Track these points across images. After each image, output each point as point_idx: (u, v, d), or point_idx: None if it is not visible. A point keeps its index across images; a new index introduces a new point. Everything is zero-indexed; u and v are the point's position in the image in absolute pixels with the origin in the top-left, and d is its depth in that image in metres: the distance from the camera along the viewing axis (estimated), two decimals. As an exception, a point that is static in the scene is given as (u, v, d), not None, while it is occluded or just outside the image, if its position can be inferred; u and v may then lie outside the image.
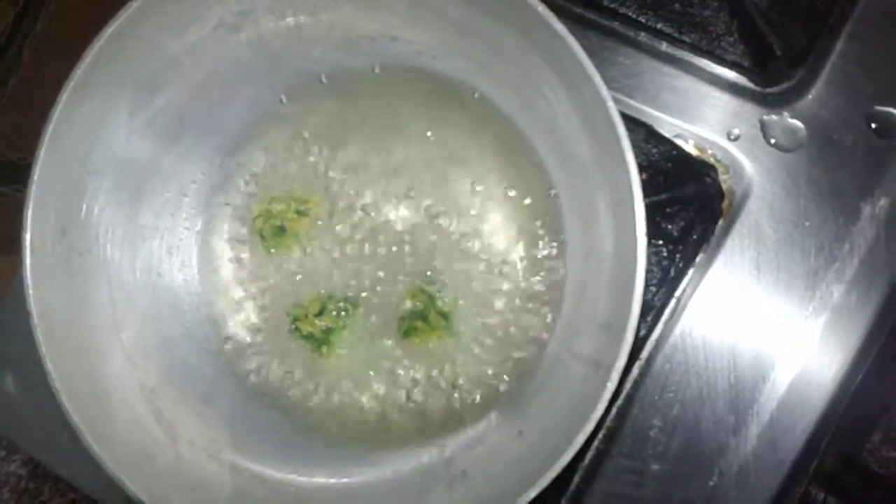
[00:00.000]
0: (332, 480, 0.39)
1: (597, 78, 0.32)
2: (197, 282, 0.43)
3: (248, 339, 0.43)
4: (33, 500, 0.78)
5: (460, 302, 0.41)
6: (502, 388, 0.40)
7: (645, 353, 0.42)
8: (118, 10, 0.36)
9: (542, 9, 0.32)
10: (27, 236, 0.36)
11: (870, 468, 0.53)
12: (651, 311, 0.42)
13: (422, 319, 0.41)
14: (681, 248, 0.42)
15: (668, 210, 0.42)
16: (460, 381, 0.41)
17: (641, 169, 0.37)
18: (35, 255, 0.36)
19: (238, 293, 0.43)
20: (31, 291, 0.36)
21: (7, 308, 0.48)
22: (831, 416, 0.41)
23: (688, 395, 0.41)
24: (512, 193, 0.41)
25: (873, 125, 0.41)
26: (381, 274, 0.42)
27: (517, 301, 0.40)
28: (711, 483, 0.41)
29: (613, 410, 0.42)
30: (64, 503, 0.78)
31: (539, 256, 0.40)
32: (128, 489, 0.35)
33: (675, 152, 0.43)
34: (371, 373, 0.41)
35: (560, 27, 0.32)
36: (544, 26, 0.33)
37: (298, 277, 0.43)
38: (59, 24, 0.65)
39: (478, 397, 0.40)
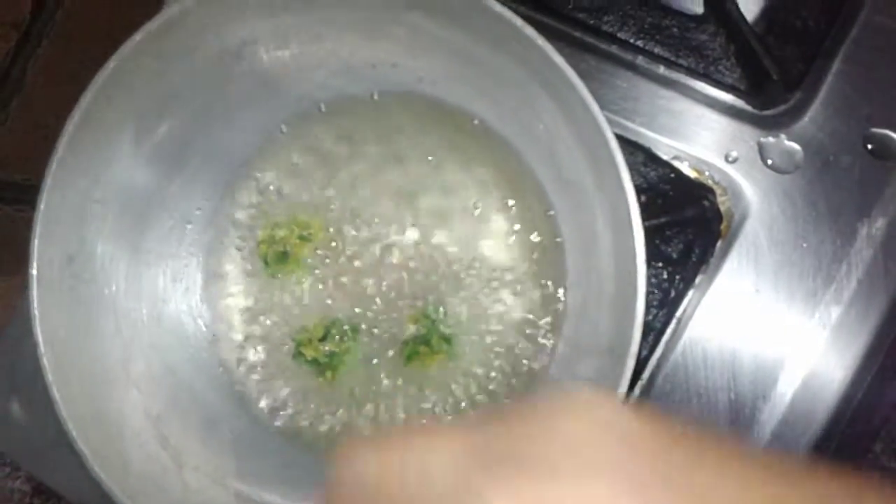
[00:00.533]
0: (337, 507, 0.40)
1: (595, 108, 0.33)
2: (201, 308, 0.44)
3: (253, 365, 0.43)
4: (37, 517, 0.78)
5: (462, 326, 0.41)
6: (505, 412, 0.40)
7: (646, 374, 0.43)
8: (119, 32, 0.37)
9: (542, 41, 0.33)
10: (34, 266, 0.37)
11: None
12: (652, 333, 0.42)
13: (424, 344, 0.41)
14: (680, 269, 0.43)
15: (667, 233, 0.43)
16: (462, 405, 0.41)
17: (640, 192, 0.37)
18: (41, 285, 0.37)
19: (242, 319, 0.44)
20: (37, 321, 0.36)
21: (12, 332, 0.48)
22: (832, 434, 0.41)
23: (689, 414, 0.42)
24: (512, 217, 0.41)
25: (869, 146, 0.42)
26: (383, 298, 0.42)
27: (519, 325, 0.41)
28: (713, 503, 0.41)
29: (615, 431, 0.42)
30: (68, 520, 0.78)
31: (540, 280, 0.41)
32: (135, 516, 0.36)
33: (673, 175, 0.43)
34: (374, 397, 0.42)
35: (559, 59, 0.33)
36: (543, 57, 0.33)
37: (302, 302, 0.43)
38: (62, 46, 0.66)
39: (480, 422, 0.40)
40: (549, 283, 0.41)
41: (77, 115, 0.37)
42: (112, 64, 0.36)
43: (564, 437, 0.21)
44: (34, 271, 0.37)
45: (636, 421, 0.22)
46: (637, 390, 0.43)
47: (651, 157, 0.43)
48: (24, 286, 0.37)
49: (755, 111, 0.43)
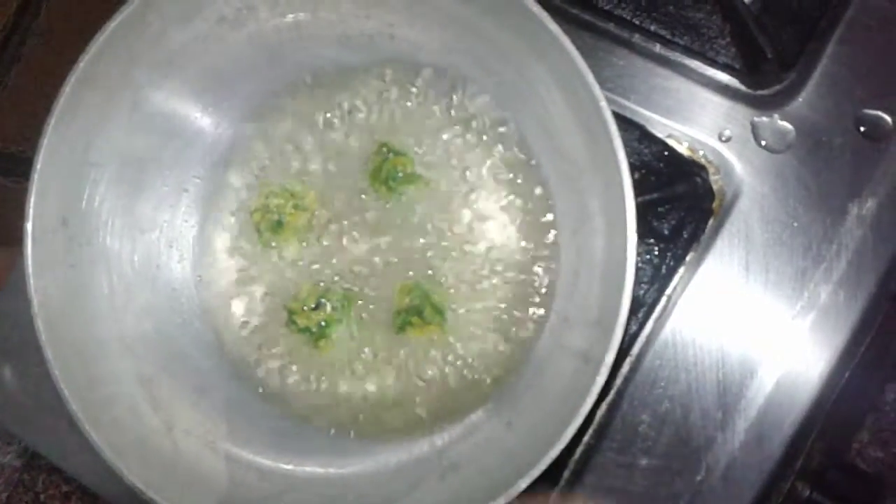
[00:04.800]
0: (326, 470, 0.40)
1: (590, 78, 0.33)
2: (195, 275, 0.44)
3: (245, 332, 0.43)
4: (27, 492, 0.78)
5: (454, 297, 0.41)
6: (494, 381, 0.40)
7: (635, 350, 0.43)
8: (120, 2, 0.37)
9: (538, 9, 0.33)
10: (29, 226, 0.37)
11: (855, 465, 0.54)
12: (642, 309, 0.43)
13: (416, 314, 0.41)
14: (671, 246, 0.43)
15: (659, 209, 0.43)
16: (452, 375, 0.41)
17: (633, 168, 0.37)
18: (36, 245, 0.37)
19: (235, 287, 0.44)
20: (31, 280, 0.37)
21: (6, 299, 0.48)
22: (818, 414, 0.42)
23: (677, 391, 0.42)
24: (505, 191, 0.42)
25: (861, 128, 0.42)
26: (376, 268, 0.42)
27: (510, 296, 0.41)
28: (699, 478, 0.41)
29: (604, 406, 0.43)
30: (58, 495, 0.78)
31: (532, 253, 0.41)
32: (125, 478, 0.36)
33: (667, 153, 0.43)
34: (365, 366, 0.42)
35: (555, 28, 0.33)
36: (539, 27, 0.33)
37: (295, 271, 0.43)
38: (61, 15, 0.66)
39: (469, 390, 0.41)
40: (541, 255, 0.41)
41: (74, 76, 0.37)
42: (112, 25, 0.36)
43: None
44: (29, 231, 0.37)
45: None
46: (626, 366, 0.43)
47: (645, 135, 0.43)
48: (18, 255, 0.38)
49: (749, 91, 0.43)
